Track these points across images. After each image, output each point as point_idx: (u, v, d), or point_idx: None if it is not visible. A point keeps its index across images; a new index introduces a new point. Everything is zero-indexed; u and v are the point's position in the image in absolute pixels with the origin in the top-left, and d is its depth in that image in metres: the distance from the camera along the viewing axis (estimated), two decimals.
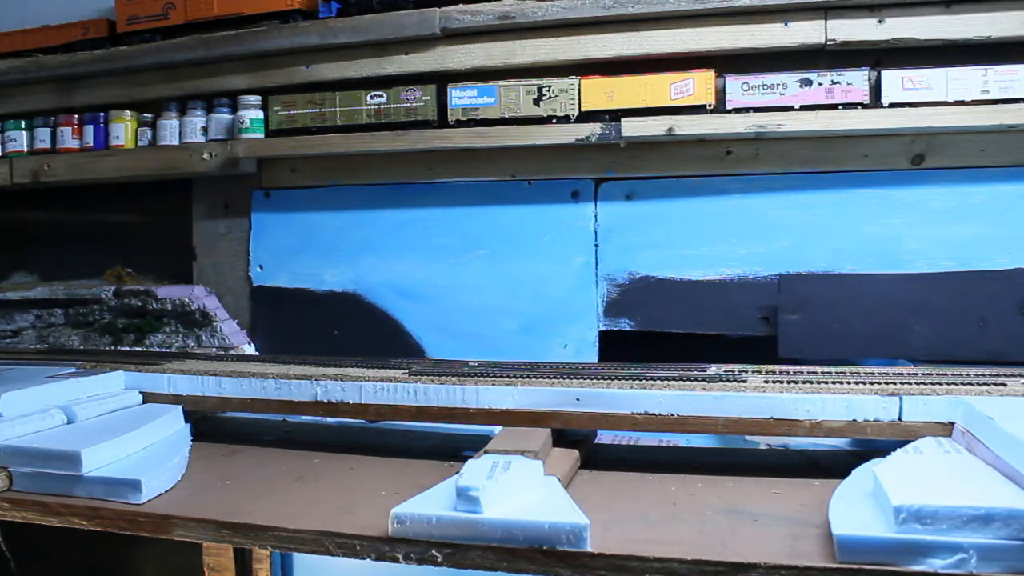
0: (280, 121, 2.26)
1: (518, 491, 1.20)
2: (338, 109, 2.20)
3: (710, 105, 1.95)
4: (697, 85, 1.94)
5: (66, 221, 2.77)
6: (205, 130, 2.38)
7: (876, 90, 1.86)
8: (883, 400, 1.36)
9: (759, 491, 1.35)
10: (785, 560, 1.03)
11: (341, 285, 2.34)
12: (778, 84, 1.90)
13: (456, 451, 1.62)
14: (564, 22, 2.05)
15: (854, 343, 1.93)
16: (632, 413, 1.46)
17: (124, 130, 2.44)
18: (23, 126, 2.53)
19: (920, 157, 1.95)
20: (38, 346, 2.47)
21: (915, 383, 1.44)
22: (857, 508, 1.10)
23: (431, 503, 1.18)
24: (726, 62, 1.98)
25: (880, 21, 1.88)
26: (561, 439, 1.53)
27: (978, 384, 1.43)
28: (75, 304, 2.47)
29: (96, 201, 2.65)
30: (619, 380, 1.53)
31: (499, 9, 2.07)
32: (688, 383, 1.48)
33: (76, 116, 2.48)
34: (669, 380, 1.51)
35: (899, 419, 1.36)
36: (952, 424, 1.33)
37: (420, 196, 2.26)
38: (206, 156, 2.34)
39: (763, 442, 1.74)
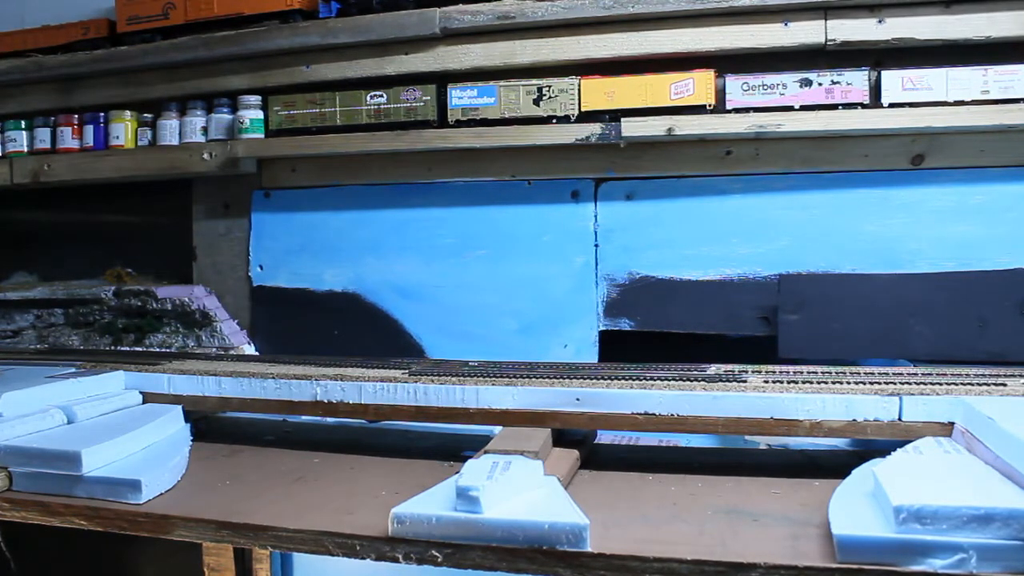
0: (280, 121, 2.26)
1: (518, 491, 1.20)
2: (338, 109, 2.20)
3: (710, 105, 1.95)
4: (697, 85, 1.94)
5: (66, 221, 2.77)
6: (205, 130, 2.38)
7: (876, 90, 1.86)
8: (883, 400, 1.36)
9: (759, 491, 1.35)
10: (785, 560, 1.03)
11: (341, 285, 2.34)
12: (778, 84, 1.90)
13: (456, 451, 1.62)
14: (564, 22, 2.05)
15: (854, 343, 1.93)
16: (632, 413, 1.45)
17: (124, 130, 2.44)
18: (23, 126, 2.53)
19: (920, 157, 1.95)
20: (38, 346, 2.47)
21: (915, 383, 1.44)
22: (857, 508, 1.10)
23: (431, 503, 1.18)
24: (726, 62, 1.98)
25: (880, 21, 1.89)
26: (561, 439, 1.53)
27: (978, 384, 1.43)
28: (75, 304, 2.47)
29: (96, 201, 2.65)
30: (619, 380, 1.53)
31: (499, 9, 2.07)
32: (688, 383, 1.48)
33: (76, 116, 2.48)
34: (669, 380, 1.51)
35: (899, 419, 1.35)
36: (952, 424, 1.33)
37: (420, 196, 2.26)
38: (206, 156, 2.34)
39: (763, 442, 1.74)
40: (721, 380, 1.49)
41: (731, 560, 1.05)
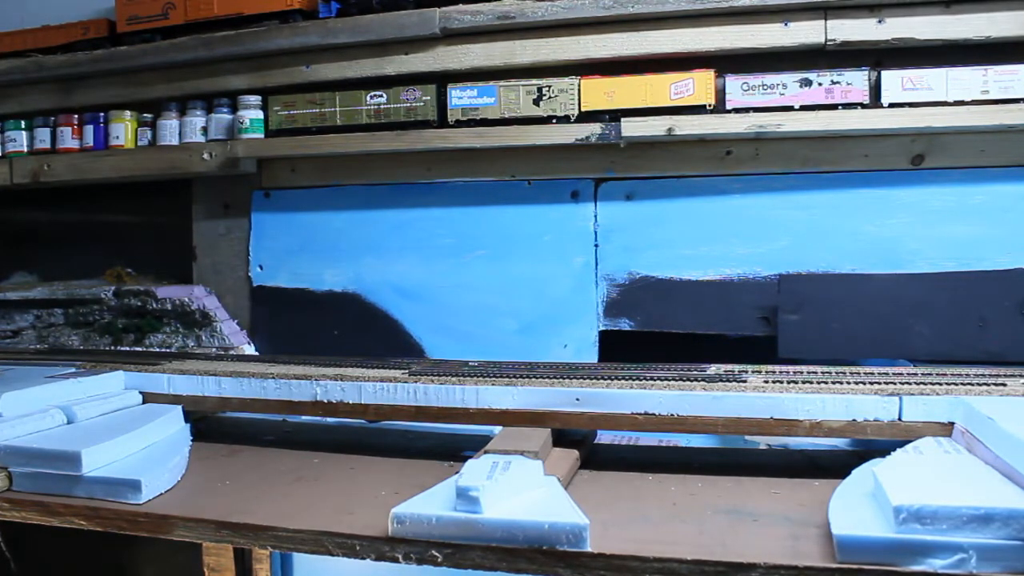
0: (280, 121, 2.26)
1: (518, 491, 1.20)
2: (338, 109, 2.20)
3: (710, 105, 1.95)
4: (697, 85, 1.94)
5: (66, 221, 2.77)
6: (205, 130, 2.38)
7: (876, 90, 1.86)
8: (883, 400, 1.36)
9: (759, 491, 1.35)
10: (785, 560, 1.03)
11: (341, 285, 2.34)
12: (778, 84, 1.90)
13: (456, 451, 1.62)
14: (564, 22, 2.05)
15: (854, 343, 1.93)
16: (632, 413, 1.45)
17: (124, 130, 2.44)
18: (23, 126, 2.53)
19: (920, 157, 1.95)
20: (38, 346, 2.47)
21: (915, 383, 1.44)
22: (857, 508, 1.10)
23: (431, 503, 1.18)
24: (726, 62, 1.98)
25: (880, 21, 1.88)
26: (561, 439, 1.53)
27: (978, 384, 1.43)
28: (75, 304, 2.47)
29: (96, 201, 2.65)
30: (619, 380, 1.53)
31: (499, 9, 2.07)
32: (688, 383, 1.48)
33: (76, 116, 2.48)
34: (669, 380, 1.51)
35: (899, 419, 1.35)
36: (952, 424, 1.33)
37: (420, 196, 2.26)
38: (206, 156, 2.34)
39: (763, 442, 1.74)
40: (721, 380, 1.49)
41: (731, 560, 1.05)
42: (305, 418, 1.75)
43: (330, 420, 1.77)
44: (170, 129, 2.40)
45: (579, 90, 2.03)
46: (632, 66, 2.03)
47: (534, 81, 2.06)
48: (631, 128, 1.97)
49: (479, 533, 1.12)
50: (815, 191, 2.00)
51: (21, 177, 2.51)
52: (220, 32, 2.31)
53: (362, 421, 1.80)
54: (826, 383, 1.45)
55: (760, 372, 1.60)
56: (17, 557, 2.34)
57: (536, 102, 2.05)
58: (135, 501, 1.35)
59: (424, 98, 2.14)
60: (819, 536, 1.11)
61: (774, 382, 1.47)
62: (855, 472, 1.25)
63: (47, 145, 2.50)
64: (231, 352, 2.27)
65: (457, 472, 1.22)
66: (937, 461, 1.21)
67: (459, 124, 2.11)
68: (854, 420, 1.36)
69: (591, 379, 1.55)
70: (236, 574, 2.22)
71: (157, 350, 2.32)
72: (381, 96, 2.17)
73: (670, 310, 2.08)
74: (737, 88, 1.92)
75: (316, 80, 2.26)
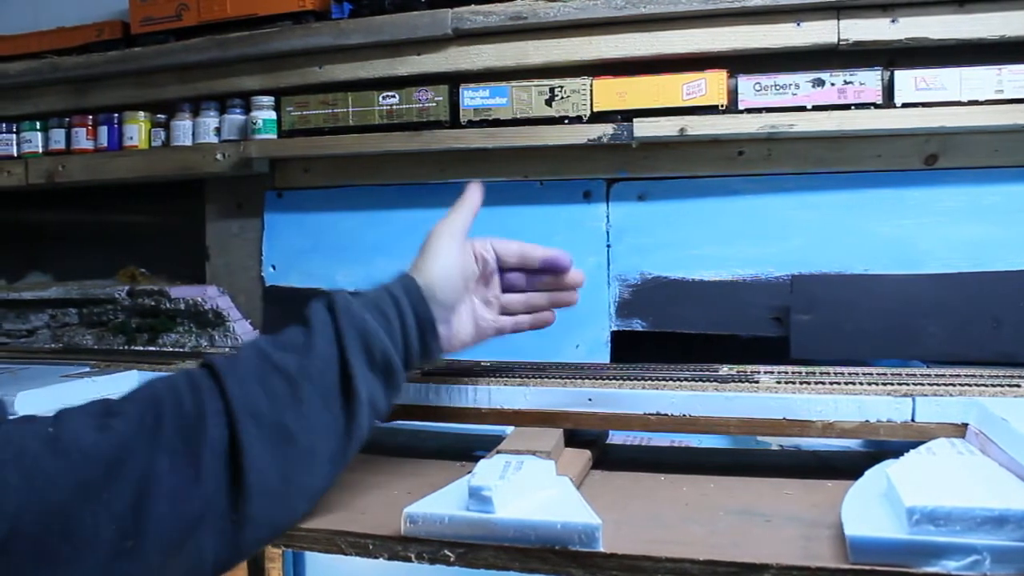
0: (293, 122, 2.27)
1: (530, 491, 1.20)
2: (351, 110, 2.21)
3: (722, 105, 1.94)
4: (709, 85, 1.94)
5: (80, 221, 2.79)
6: (218, 131, 2.39)
7: (889, 90, 1.85)
8: (896, 401, 1.35)
9: (771, 492, 1.34)
10: (797, 561, 1.03)
11: (353, 285, 2.31)
12: (790, 84, 1.90)
13: (467, 451, 1.62)
14: (576, 22, 2.04)
15: (867, 343, 1.92)
16: (644, 413, 1.45)
17: (138, 131, 2.45)
18: (38, 127, 2.55)
19: (934, 157, 1.94)
20: (53, 345, 2.49)
21: (928, 384, 1.43)
22: (870, 509, 1.09)
23: (443, 502, 1.18)
24: (738, 62, 1.98)
25: (893, 21, 1.88)
26: (573, 439, 1.52)
27: (992, 385, 1.42)
28: (89, 304, 2.49)
29: (110, 201, 2.67)
30: (631, 380, 1.53)
31: (511, 10, 2.07)
32: (700, 383, 1.48)
33: (90, 117, 2.49)
34: (681, 380, 1.50)
35: (912, 420, 1.35)
36: (966, 425, 1.32)
37: (433, 196, 2.25)
38: (219, 157, 2.35)
39: (775, 443, 1.74)
40: (733, 380, 1.49)
41: (743, 560, 1.04)
42: None
43: None
44: (183, 130, 2.41)
45: (591, 90, 2.02)
46: (644, 66, 2.02)
47: (546, 81, 2.06)
48: (643, 128, 1.96)
49: (491, 533, 1.12)
50: (828, 191, 1.99)
51: (36, 178, 2.52)
52: (233, 33, 2.31)
53: None
54: (839, 384, 1.45)
55: (772, 373, 1.59)
56: None
57: (548, 102, 2.05)
58: None
59: (436, 98, 2.14)
60: (831, 537, 1.10)
61: (786, 383, 1.47)
62: (868, 473, 1.24)
63: (62, 146, 2.51)
64: None
65: (469, 472, 1.22)
66: (950, 462, 1.20)
67: (471, 124, 2.11)
68: (867, 421, 1.36)
69: (603, 379, 1.55)
70: (249, 573, 2.23)
71: (170, 350, 2.33)
72: (394, 96, 2.17)
73: (682, 310, 2.07)
74: (749, 88, 1.92)
75: (329, 80, 2.27)
